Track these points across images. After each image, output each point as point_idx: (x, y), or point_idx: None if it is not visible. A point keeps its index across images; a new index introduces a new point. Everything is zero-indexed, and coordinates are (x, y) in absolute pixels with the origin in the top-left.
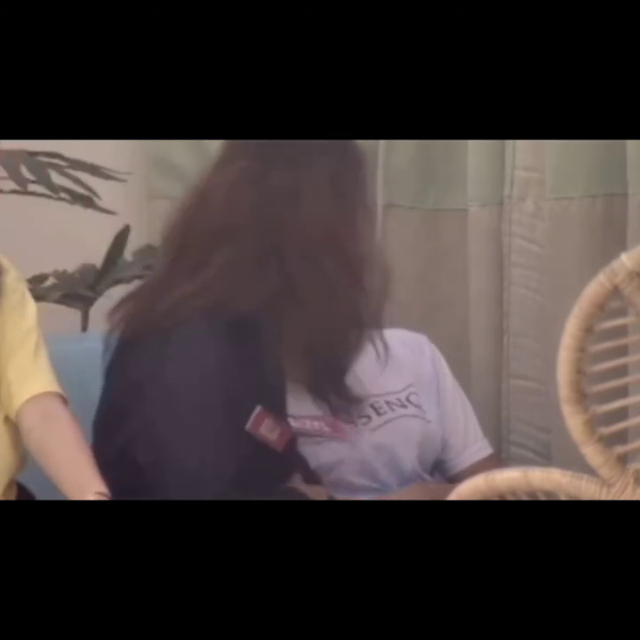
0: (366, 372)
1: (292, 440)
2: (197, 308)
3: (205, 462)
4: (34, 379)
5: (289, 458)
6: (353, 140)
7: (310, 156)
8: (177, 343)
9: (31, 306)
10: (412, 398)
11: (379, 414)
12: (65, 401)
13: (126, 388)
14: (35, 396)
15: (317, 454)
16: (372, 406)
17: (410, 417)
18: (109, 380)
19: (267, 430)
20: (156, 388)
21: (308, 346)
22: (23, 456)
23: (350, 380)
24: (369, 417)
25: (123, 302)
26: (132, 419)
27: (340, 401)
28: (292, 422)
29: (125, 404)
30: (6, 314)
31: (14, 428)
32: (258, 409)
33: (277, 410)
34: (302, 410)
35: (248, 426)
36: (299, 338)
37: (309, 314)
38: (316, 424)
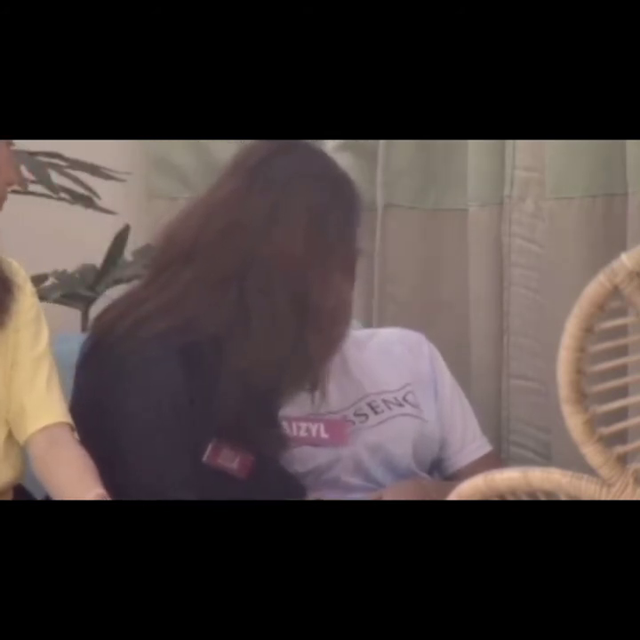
0: (364, 368)
1: (254, 465)
2: (157, 330)
3: (162, 489)
4: (45, 410)
5: (255, 483)
6: (352, 182)
7: (294, 186)
8: (133, 368)
9: (44, 325)
10: (409, 397)
11: (376, 413)
12: (72, 428)
13: (87, 401)
14: (44, 427)
15: (314, 455)
16: (369, 405)
17: (406, 416)
18: (74, 389)
19: (226, 460)
20: (111, 414)
21: (245, 378)
22: (22, 472)
23: (282, 417)
24: (366, 416)
25: (105, 310)
26: (90, 436)
27: (269, 437)
28: (288, 429)
29: (85, 417)
30: (21, 331)
31: (15, 446)
32: (214, 441)
33: (236, 436)
34: (299, 411)
35: (205, 458)
36: (239, 368)
37: (252, 345)
38: (314, 428)
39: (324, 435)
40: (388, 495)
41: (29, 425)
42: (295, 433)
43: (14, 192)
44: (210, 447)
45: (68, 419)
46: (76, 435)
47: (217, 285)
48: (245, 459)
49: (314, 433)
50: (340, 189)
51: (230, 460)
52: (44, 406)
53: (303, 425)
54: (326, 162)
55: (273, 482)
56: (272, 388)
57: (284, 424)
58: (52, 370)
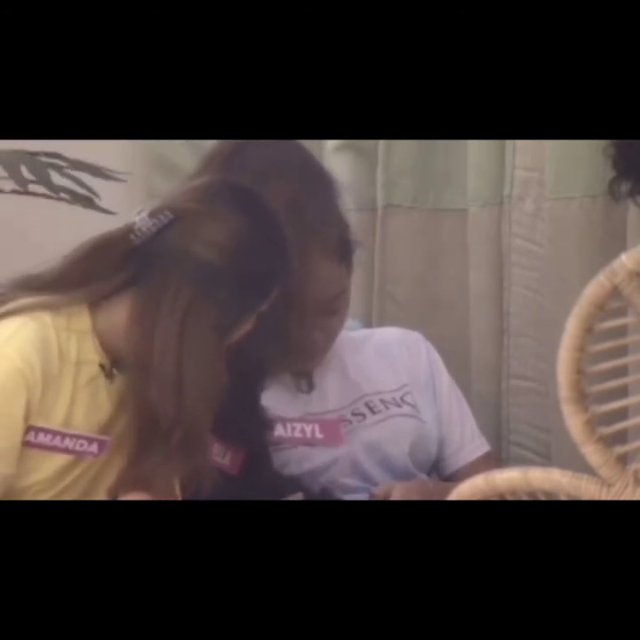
0: (362, 369)
1: (245, 460)
2: None
3: None
4: None
5: (249, 480)
6: (328, 171)
7: (270, 174)
8: None
9: None
10: (408, 398)
11: (373, 413)
12: None
13: None
14: None
15: (311, 456)
16: (366, 405)
17: (404, 416)
18: None
19: (217, 456)
20: None
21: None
22: None
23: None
24: (364, 415)
25: None
26: None
27: (254, 426)
28: (282, 429)
29: None
30: None
31: None
32: None
33: (223, 430)
34: (294, 411)
35: None
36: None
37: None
38: (309, 429)
39: (318, 435)
40: (398, 492)
41: None
42: (290, 434)
43: (14, 192)
44: None
45: None
46: None
47: None
48: (236, 455)
49: (309, 433)
50: (316, 178)
51: (221, 456)
52: None
53: (298, 425)
54: (301, 153)
55: (266, 479)
56: (256, 376)
57: (279, 425)
58: None
